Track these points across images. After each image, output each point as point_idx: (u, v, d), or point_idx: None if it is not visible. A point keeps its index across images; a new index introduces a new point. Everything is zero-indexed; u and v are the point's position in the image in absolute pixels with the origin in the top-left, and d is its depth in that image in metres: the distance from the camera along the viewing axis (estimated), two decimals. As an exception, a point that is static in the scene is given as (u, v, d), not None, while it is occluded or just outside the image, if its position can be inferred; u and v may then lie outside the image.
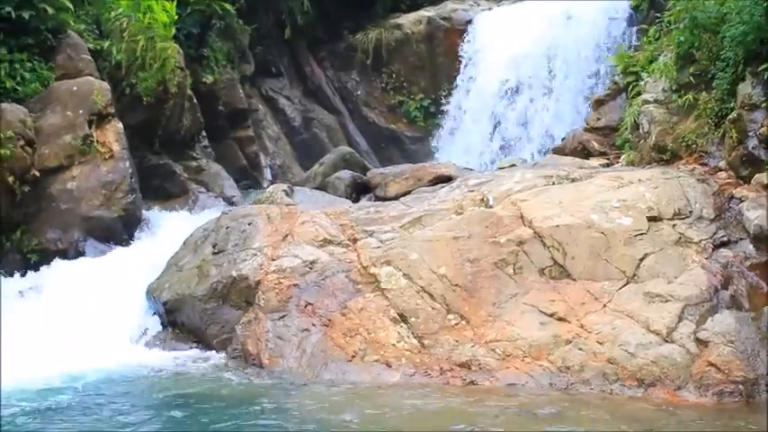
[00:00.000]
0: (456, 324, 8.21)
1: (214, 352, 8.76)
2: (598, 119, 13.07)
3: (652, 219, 8.65)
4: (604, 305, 8.06)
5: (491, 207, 9.20)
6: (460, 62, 17.84)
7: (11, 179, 10.69)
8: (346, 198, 11.50)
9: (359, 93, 18.99)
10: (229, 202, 13.28)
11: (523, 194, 9.24)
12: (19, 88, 11.38)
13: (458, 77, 17.83)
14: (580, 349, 7.72)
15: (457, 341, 8.06)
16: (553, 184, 9.54)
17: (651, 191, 8.95)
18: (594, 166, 10.95)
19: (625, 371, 7.48)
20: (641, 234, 8.51)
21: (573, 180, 9.61)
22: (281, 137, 17.46)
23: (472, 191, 9.68)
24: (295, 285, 8.75)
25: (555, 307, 8.13)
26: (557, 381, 7.56)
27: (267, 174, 16.17)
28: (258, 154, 16.07)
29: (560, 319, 8.03)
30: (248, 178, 15.46)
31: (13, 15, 11.34)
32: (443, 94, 18.24)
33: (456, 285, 8.43)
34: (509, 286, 8.39)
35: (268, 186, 14.82)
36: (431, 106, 18.49)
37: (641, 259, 8.33)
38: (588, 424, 6.61)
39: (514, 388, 7.50)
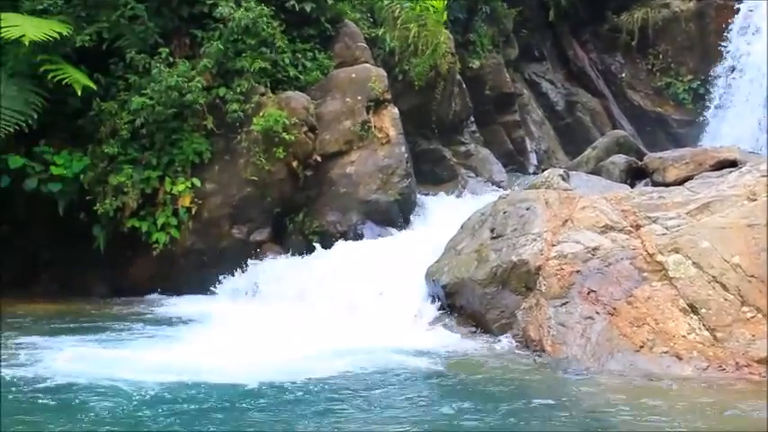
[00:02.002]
0: (752, 317, 7.73)
1: (493, 336, 8.72)
2: None
3: None
4: None
5: (788, 193, 8.62)
6: (731, 40, 16.99)
7: (295, 164, 11.23)
8: (621, 183, 11.19)
9: (623, 75, 18.47)
10: (498, 186, 13.31)
11: (826, 180, 8.59)
12: (301, 77, 11.93)
13: (728, 56, 16.98)
14: None
15: (753, 335, 7.60)
16: None
17: None
18: None
19: None
20: None
21: None
22: (545, 121, 17.28)
23: (765, 176, 9.10)
24: (577, 272, 8.56)
25: None
26: None
27: (533, 159, 16.06)
28: (524, 139, 15.99)
29: None
30: (514, 163, 15.43)
31: (297, 8, 11.85)
32: (714, 75, 17.40)
33: (751, 276, 7.93)
34: (811, 279, 7.82)
35: (534, 171, 14.80)
36: (700, 88, 17.71)
37: None
38: None
39: (827, 388, 6.98)
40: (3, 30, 10.50)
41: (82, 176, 11.08)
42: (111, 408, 6.15)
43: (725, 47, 17.07)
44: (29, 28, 10.53)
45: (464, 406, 6.36)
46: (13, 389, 6.67)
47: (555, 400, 6.62)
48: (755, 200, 8.68)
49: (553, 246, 8.90)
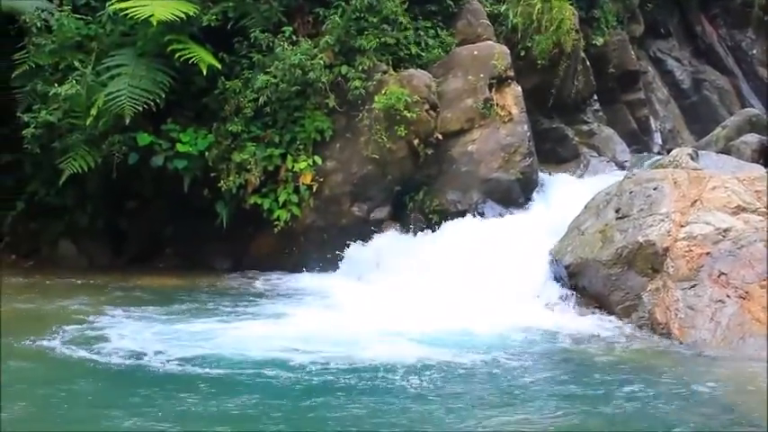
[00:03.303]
0: None
1: (617, 318, 8.52)
2: None
3: None
4: None
5: None
6: None
7: (416, 141, 11.18)
8: (753, 163, 10.78)
9: (754, 52, 17.80)
10: (621, 166, 13.00)
11: None
12: (423, 54, 11.87)
13: None
14: None
15: None
16: None
17: None
18: None
19: None
20: None
21: None
22: (670, 100, 16.79)
23: None
24: (707, 254, 8.28)
25: None
26: None
27: (657, 138, 15.62)
28: (648, 118, 15.56)
29: None
30: (638, 143, 15.02)
31: (420, -17, 11.80)
32: None
33: None
34: None
35: (658, 151, 14.41)
36: (837, 65, 16.93)
37: None
38: None
39: None
40: (132, 10, 10.76)
41: (206, 154, 11.25)
42: (247, 392, 6.14)
43: None
44: (157, 8, 10.73)
45: (613, 393, 6.21)
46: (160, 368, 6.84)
47: (704, 385, 6.41)
48: None
49: (682, 227, 8.64)
